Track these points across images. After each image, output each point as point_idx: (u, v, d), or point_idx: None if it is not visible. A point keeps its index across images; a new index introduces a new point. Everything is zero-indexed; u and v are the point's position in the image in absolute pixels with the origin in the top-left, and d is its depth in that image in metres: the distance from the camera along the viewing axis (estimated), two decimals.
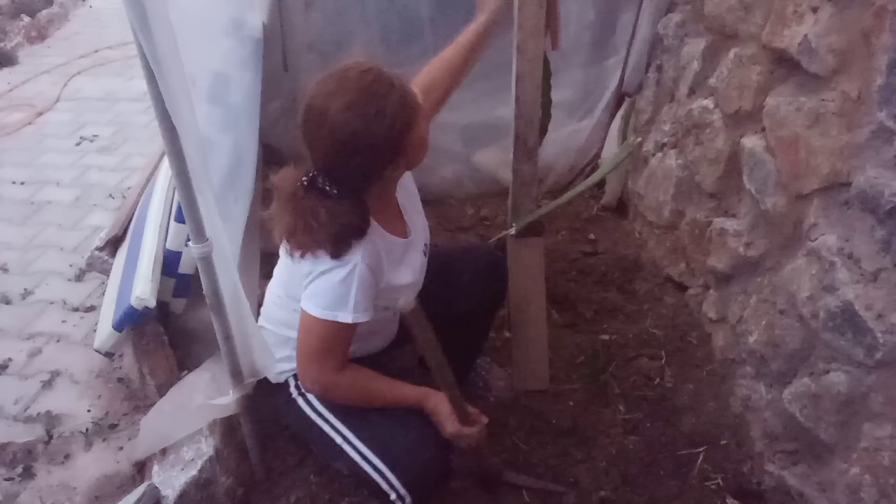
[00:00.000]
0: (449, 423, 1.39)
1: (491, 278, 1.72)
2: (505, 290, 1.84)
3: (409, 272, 1.44)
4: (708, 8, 1.95)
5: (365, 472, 1.37)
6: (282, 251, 1.46)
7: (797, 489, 1.54)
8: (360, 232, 1.28)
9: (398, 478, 1.35)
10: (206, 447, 1.55)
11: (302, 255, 1.29)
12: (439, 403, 1.40)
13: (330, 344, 1.33)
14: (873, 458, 1.32)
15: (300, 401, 1.47)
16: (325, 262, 1.27)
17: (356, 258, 1.27)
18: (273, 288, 1.54)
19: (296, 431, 1.61)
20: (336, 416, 1.43)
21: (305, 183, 1.27)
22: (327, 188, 1.25)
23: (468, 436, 1.40)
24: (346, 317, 1.29)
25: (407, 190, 1.51)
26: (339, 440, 1.41)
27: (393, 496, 1.36)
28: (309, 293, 1.31)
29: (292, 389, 1.49)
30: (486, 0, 1.62)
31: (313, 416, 1.45)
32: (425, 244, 1.53)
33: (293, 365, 1.47)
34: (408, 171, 1.45)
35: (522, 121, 1.76)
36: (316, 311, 1.29)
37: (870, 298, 1.29)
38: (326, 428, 1.43)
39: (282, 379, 1.51)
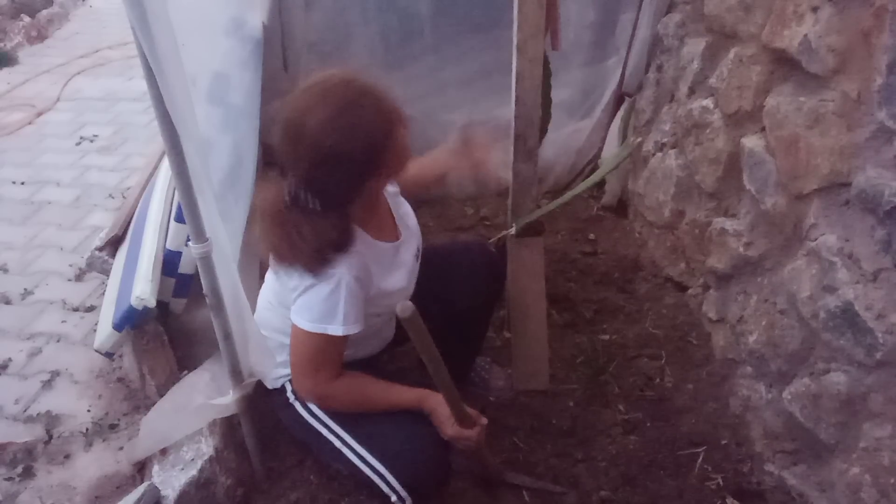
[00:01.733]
0: (448, 426, 1.38)
1: (487, 276, 1.72)
2: (502, 288, 1.84)
3: (401, 276, 1.44)
4: (708, 8, 1.95)
5: (365, 475, 1.37)
6: (271, 262, 1.46)
7: (797, 489, 1.54)
8: (342, 246, 1.26)
9: (398, 479, 1.34)
10: (206, 447, 1.55)
11: (286, 272, 1.28)
12: (438, 405, 1.39)
13: (322, 356, 1.33)
14: (873, 458, 1.32)
15: (297, 405, 1.47)
16: (310, 276, 1.27)
17: (341, 271, 1.26)
18: (265, 294, 1.54)
19: (294, 436, 1.61)
20: (333, 419, 1.42)
21: (288, 200, 1.25)
22: (310, 204, 1.24)
23: (467, 438, 1.40)
24: (337, 329, 1.29)
25: (401, 205, 1.52)
26: (337, 444, 1.40)
27: (394, 498, 1.35)
28: (298, 307, 1.30)
29: (289, 394, 1.48)
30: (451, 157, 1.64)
31: (311, 420, 1.44)
32: (417, 248, 1.53)
33: (289, 370, 1.48)
34: None
35: (522, 121, 1.76)
36: (306, 325, 1.29)
37: (870, 298, 1.29)
38: (325, 432, 1.42)
39: (278, 384, 1.51)
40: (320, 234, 1.23)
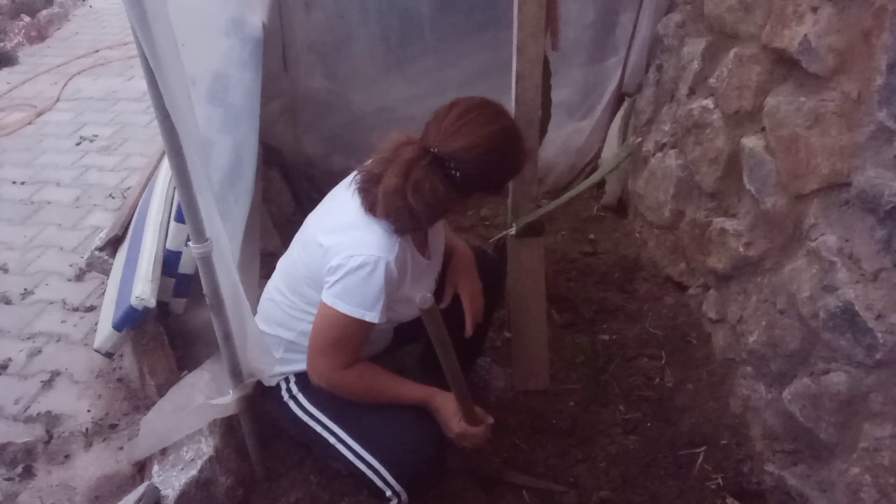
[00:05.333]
0: (454, 423, 1.39)
1: (486, 278, 1.72)
2: (502, 290, 1.84)
3: (421, 293, 1.47)
4: (708, 8, 1.95)
5: (360, 471, 1.38)
6: (296, 240, 1.47)
7: (797, 489, 1.54)
8: (435, 218, 1.38)
9: (391, 473, 1.35)
10: (206, 447, 1.55)
11: (375, 214, 1.32)
12: (445, 402, 1.40)
13: (347, 340, 1.35)
14: (873, 458, 1.32)
15: (291, 403, 1.47)
16: (358, 257, 1.30)
17: (384, 256, 1.30)
18: (273, 283, 1.54)
19: (291, 434, 1.61)
20: (328, 415, 1.43)
21: (430, 158, 1.30)
22: (453, 171, 1.29)
23: (473, 435, 1.41)
24: (374, 316, 1.32)
25: (436, 232, 1.58)
26: (332, 440, 1.41)
27: (388, 493, 1.36)
28: (338, 291, 1.32)
29: (283, 392, 1.49)
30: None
31: (305, 417, 1.45)
32: (436, 278, 1.57)
33: (284, 368, 1.49)
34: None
35: (522, 121, 1.75)
36: (345, 309, 1.31)
37: (870, 298, 1.29)
38: (319, 428, 1.43)
39: (273, 382, 1.51)
40: (437, 195, 1.28)
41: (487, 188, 1.38)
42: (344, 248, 1.32)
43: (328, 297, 1.33)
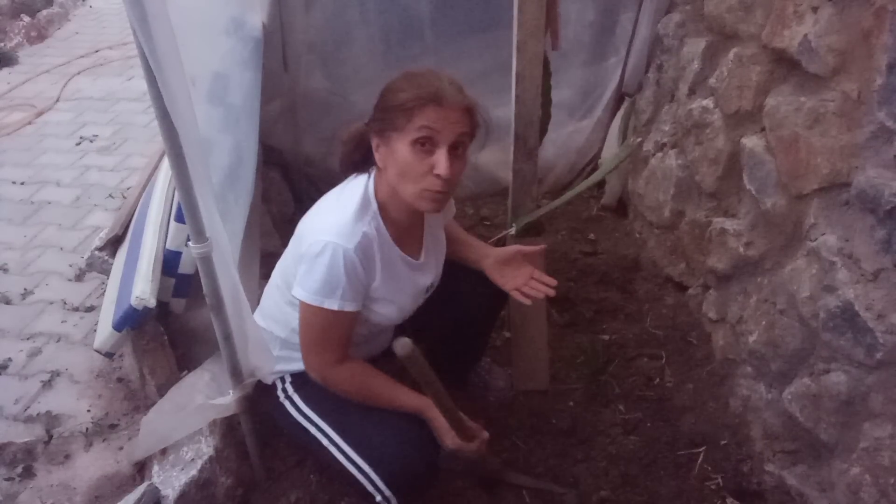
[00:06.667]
0: (448, 438, 1.39)
1: (488, 279, 1.72)
2: (507, 295, 1.84)
3: (403, 294, 1.46)
4: (708, 8, 1.95)
5: (350, 474, 1.37)
6: (297, 231, 1.48)
7: (797, 489, 1.54)
8: (360, 157, 1.41)
9: (381, 477, 1.34)
10: (206, 447, 1.55)
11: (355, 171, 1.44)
12: (440, 416, 1.40)
13: (325, 333, 1.35)
14: (873, 458, 1.32)
15: (286, 403, 1.48)
16: (318, 243, 1.29)
17: (341, 243, 1.29)
18: (271, 280, 1.55)
19: (288, 434, 1.61)
20: (321, 416, 1.43)
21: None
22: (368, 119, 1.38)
23: (469, 451, 1.41)
24: (333, 304, 1.30)
25: (438, 239, 1.57)
26: (325, 441, 1.41)
27: (378, 498, 1.35)
28: (300, 278, 1.32)
29: (279, 392, 1.49)
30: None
31: (299, 417, 1.45)
32: (432, 283, 1.56)
33: (281, 366, 1.49)
34: (443, 220, 1.58)
35: (522, 121, 1.76)
36: (304, 296, 1.31)
37: (870, 298, 1.29)
38: (312, 429, 1.43)
39: (270, 380, 1.51)
40: (358, 141, 1.41)
41: (384, 120, 1.32)
42: (308, 236, 1.33)
43: (294, 287, 1.34)
